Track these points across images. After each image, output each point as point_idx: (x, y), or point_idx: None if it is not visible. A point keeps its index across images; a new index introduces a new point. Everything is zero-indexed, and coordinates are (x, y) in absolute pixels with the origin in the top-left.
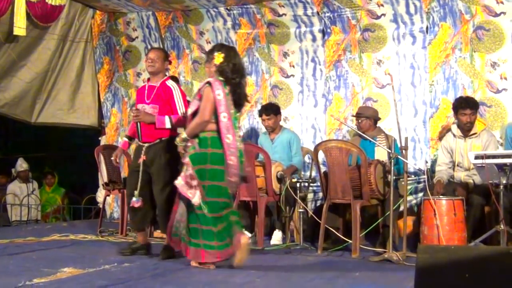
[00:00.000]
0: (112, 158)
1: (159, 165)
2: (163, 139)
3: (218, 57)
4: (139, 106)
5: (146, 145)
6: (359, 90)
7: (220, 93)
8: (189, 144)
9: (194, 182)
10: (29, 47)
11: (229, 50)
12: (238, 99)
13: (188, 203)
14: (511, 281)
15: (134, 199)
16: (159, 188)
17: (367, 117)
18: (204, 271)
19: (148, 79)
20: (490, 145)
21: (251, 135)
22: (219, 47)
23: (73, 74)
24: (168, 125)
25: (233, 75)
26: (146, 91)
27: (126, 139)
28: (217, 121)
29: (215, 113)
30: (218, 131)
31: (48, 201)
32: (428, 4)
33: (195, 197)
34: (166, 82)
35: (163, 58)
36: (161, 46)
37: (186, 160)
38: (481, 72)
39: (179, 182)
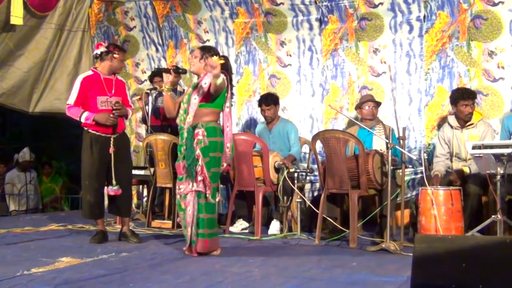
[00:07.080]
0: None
1: (124, 152)
2: (123, 130)
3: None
4: (104, 98)
5: (113, 136)
6: (355, 78)
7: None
8: (200, 137)
9: (201, 176)
10: (26, 36)
11: (227, 60)
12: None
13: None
14: (508, 271)
15: (116, 187)
16: (126, 172)
17: (378, 104)
18: (201, 260)
19: (95, 68)
20: (487, 135)
21: (250, 125)
22: (217, 52)
23: (70, 63)
24: (130, 115)
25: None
26: (104, 84)
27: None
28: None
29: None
30: (217, 120)
31: (46, 191)
32: None
33: (207, 190)
34: (118, 76)
35: None
36: (159, 35)
37: (197, 152)
38: (478, 61)
39: (195, 187)
